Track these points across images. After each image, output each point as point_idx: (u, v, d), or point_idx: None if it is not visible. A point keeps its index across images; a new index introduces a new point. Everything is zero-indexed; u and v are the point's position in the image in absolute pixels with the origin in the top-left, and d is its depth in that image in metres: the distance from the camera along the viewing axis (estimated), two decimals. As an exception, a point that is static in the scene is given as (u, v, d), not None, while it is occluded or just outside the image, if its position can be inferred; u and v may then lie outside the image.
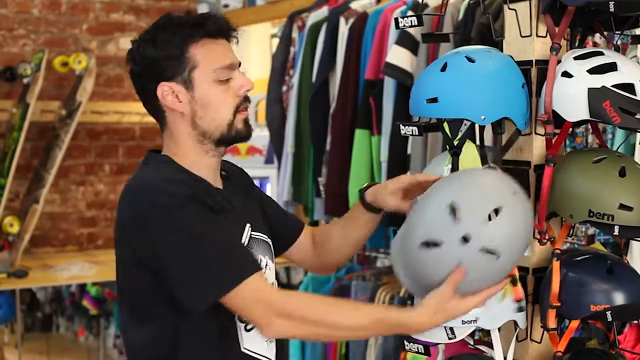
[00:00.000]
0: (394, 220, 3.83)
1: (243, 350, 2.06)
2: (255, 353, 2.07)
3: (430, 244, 1.86)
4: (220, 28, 2.06)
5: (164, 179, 2.00)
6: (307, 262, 2.40)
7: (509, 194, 1.88)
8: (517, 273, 2.02)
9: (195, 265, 1.92)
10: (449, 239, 1.84)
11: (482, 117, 2.00)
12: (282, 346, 2.18)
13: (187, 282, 1.93)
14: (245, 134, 2.08)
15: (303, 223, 2.40)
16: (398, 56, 3.79)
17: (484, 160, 2.10)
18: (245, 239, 2.09)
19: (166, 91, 2.05)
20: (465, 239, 1.83)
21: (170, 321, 2.00)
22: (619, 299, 1.99)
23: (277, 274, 2.27)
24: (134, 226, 1.97)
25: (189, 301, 1.94)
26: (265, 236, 2.19)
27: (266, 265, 2.14)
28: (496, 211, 1.84)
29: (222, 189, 2.13)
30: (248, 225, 2.11)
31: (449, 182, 1.94)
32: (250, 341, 2.06)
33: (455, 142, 2.09)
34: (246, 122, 2.09)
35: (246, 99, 2.09)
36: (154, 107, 2.11)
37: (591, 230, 3.15)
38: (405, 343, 2.13)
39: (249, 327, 2.05)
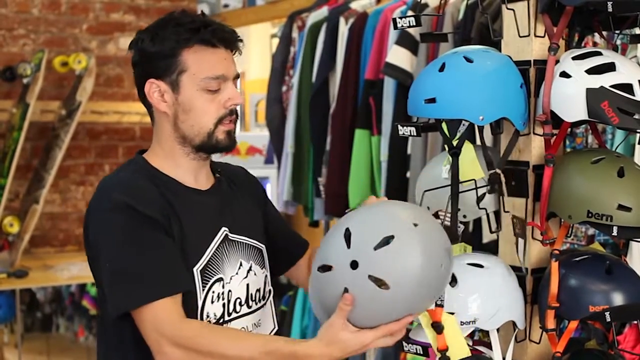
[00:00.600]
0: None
1: None
2: None
3: (325, 268, 1.81)
4: (216, 37, 2.04)
5: (118, 183, 2.04)
6: (303, 285, 2.36)
7: (407, 225, 1.78)
8: (442, 320, 1.97)
9: (116, 273, 1.96)
10: (340, 262, 1.78)
11: (481, 117, 2.00)
12: None
13: (108, 287, 1.97)
14: (225, 145, 2.08)
15: (306, 247, 2.35)
16: (398, 56, 3.79)
17: (488, 164, 2.09)
18: (215, 242, 2.08)
19: (153, 88, 2.08)
20: (354, 264, 1.76)
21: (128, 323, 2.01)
22: (618, 299, 1.98)
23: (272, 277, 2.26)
24: (85, 224, 2.05)
25: (108, 305, 1.98)
26: (255, 241, 2.18)
27: (249, 270, 2.13)
28: (387, 240, 1.76)
29: (205, 189, 2.13)
30: (224, 228, 2.10)
31: (362, 209, 1.88)
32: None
33: (454, 143, 2.09)
34: (229, 133, 2.07)
35: (232, 112, 2.07)
36: (144, 100, 2.14)
37: (591, 231, 3.14)
38: (404, 344, 2.13)
39: None
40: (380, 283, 1.76)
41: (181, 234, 2.02)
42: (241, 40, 2.12)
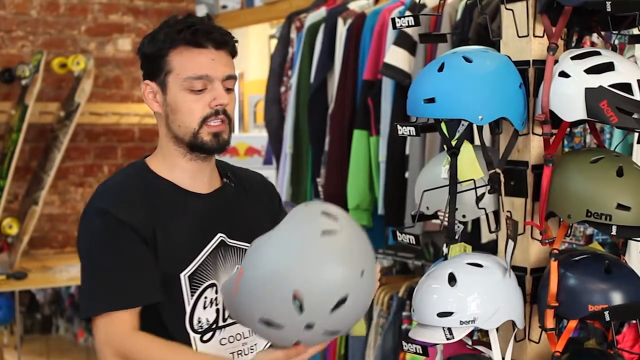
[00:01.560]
0: (391, 220, 3.85)
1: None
2: None
3: (271, 324, 1.75)
4: (201, 37, 2.05)
5: (106, 189, 2.09)
6: None
7: (355, 278, 1.74)
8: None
9: (85, 278, 2.04)
10: (292, 324, 1.73)
11: (480, 117, 2.00)
12: None
13: (80, 291, 2.05)
14: (210, 146, 2.08)
15: None
16: (396, 56, 3.79)
17: (488, 164, 2.10)
18: (208, 248, 2.08)
19: (147, 90, 2.11)
20: (309, 326, 1.73)
21: None
22: (617, 298, 1.99)
23: None
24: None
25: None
26: None
27: None
28: (342, 300, 1.72)
29: (205, 193, 2.13)
30: (220, 234, 2.11)
31: (292, 259, 1.74)
32: (206, 352, 2.06)
33: (453, 143, 2.09)
34: (215, 135, 2.07)
35: (218, 113, 2.06)
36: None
37: (590, 230, 3.15)
38: (404, 344, 2.13)
39: (205, 337, 2.06)
40: (336, 333, 1.79)
41: (168, 240, 2.03)
42: (234, 41, 2.11)
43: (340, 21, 4.24)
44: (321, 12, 4.44)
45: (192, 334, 2.04)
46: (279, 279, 1.72)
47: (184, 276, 2.03)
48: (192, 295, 2.04)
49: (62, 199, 6.07)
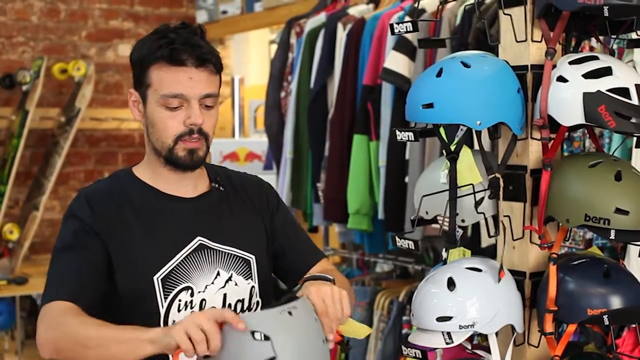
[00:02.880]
0: (391, 225, 3.86)
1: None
2: None
3: None
4: (177, 56, 2.04)
5: (83, 194, 2.13)
6: None
7: None
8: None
9: (47, 274, 2.10)
10: None
11: (478, 122, 2.01)
12: None
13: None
14: (184, 162, 2.09)
15: (316, 258, 2.29)
16: (396, 62, 3.80)
17: (487, 169, 2.10)
18: (184, 252, 2.09)
19: (132, 98, 2.13)
20: None
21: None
22: (616, 302, 1.99)
23: (271, 293, 2.26)
24: None
25: None
26: (241, 251, 2.16)
27: (228, 280, 2.13)
28: None
29: (189, 197, 2.14)
30: (200, 237, 2.11)
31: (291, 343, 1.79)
32: (182, 356, 2.03)
33: (452, 148, 2.10)
34: (190, 151, 2.08)
35: (192, 132, 2.06)
36: None
37: (589, 234, 3.15)
38: (403, 348, 2.13)
39: None
40: None
41: (141, 243, 2.06)
42: (216, 59, 2.09)
43: (340, 26, 4.25)
44: (321, 17, 4.44)
45: None
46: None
47: (156, 279, 2.05)
48: (166, 298, 2.06)
49: (63, 204, 6.07)
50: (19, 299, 5.39)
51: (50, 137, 5.74)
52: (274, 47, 5.04)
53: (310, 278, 2.07)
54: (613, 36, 2.13)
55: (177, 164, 2.09)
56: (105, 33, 6.23)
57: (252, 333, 1.75)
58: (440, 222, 2.18)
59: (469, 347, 2.16)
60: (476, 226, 3.39)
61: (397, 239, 2.21)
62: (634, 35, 2.18)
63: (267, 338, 1.75)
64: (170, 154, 2.08)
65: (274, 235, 2.25)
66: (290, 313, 1.80)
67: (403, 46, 3.79)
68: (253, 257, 2.17)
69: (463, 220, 2.18)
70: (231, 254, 2.14)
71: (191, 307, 2.08)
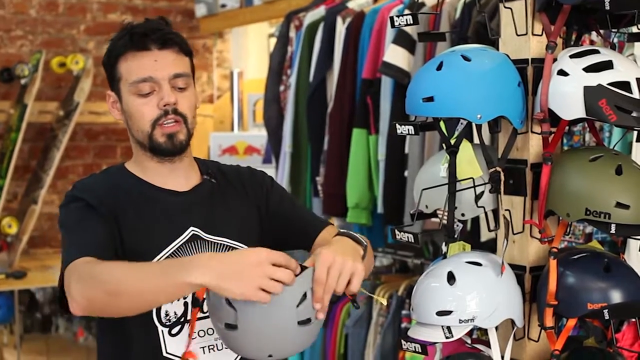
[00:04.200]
0: (390, 218, 3.85)
1: (165, 355, 2.06)
2: (180, 358, 2.07)
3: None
4: (139, 40, 2.07)
5: (79, 184, 2.14)
6: None
7: None
8: None
9: (63, 247, 2.03)
10: None
11: (478, 115, 2.00)
12: None
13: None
14: (165, 149, 2.08)
15: (319, 227, 2.27)
16: (395, 55, 3.79)
17: (488, 163, 2.10)
18: (176, 243, 2.08)
19: (110, 100, 2.17)
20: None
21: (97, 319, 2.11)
22: (616, 297, 1.98)
23: None
24: None
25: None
26: (234, 242, 2.15)
27: None
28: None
29: (181, 190, 2.14)
30: (192, 228, 2.11)
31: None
32: (175, 346, 2.06)
33: (452, 141, 2.09)
34: (169, 136, 2.07)
35: (167, 112, 2.06)
36: None
37: (589, 229, 3.15)
38: (403, 342, 2.13)
39: (173, 331, 2.06)
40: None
41: (133, 234, 2.06)
42: (180, 39, 2.10)
43: (339, 20, 4.24)
44: (320, 11, 4.44)
45: (160, 327, 2.06)
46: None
47: None
48: None
49: (62, 198, 6.04)
50: (17, 293, 5.39)
51: (49, 130, 5.74)
52: (273, 40, 5.03)
53: (341, 233, 2.03)
54: (614, 30, 2.12)
55: (159, 150, 2.09)
56: (104, 27, 6.22)
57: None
58: (440, 216, 2.18)
59: (469, 341, 2.16)
60: (475, 220, 3.39)
61: (397, 231, 2.21)
62: (634, 29, 2.17)
63: (234, 308, 1.77)
64: (150, 141, 2.08)
65: (272, 217, 2.24)
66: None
67: (402, 40, 3.78)
68: (245, 247, 2.16)
69: (463, 214, 2.17)
70: (224, 244, 2.14)
71: (184, 298, 2.07)
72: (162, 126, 2.07)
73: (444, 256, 2.15)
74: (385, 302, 2.08)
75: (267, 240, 2.21)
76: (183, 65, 2.10)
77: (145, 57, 2.07)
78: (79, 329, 6.37)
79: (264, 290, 1.72)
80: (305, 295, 1.82)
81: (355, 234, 2.03)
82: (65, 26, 6.10)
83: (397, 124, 2.14)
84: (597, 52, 2.00)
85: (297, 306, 1.81)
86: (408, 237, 2.18)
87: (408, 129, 2.12)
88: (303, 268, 1.85)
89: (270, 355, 1.82)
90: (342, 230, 2.06)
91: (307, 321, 1.82)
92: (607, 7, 1.91)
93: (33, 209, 5.37)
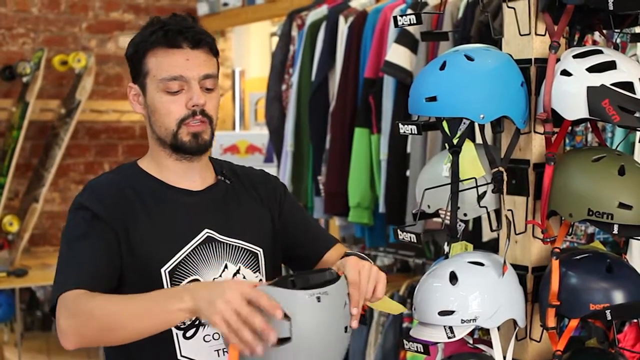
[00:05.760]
0: (392, 218, 3.85)
1: (180, 358, 2.05)
2: None
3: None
4: (173, 38, 2.04)
5: (89, 186, 2.13)
6: None
7: None
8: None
9: (59, 263, 2.02)
10: None
11: (481, 115, 2.00)
12: None
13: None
14: (189, 147, 2.07)
15: (328, 245, 2.26)
16: (398, 55, 3.79)
17: (490, 163, 2.09)
18: (192, 244, 2.07)
19: (132, 92, 2.12)
20: None
21: None
22: (619, 297, 1.98)
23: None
24: None
25: None
26: (249, 244, 2.14)
27: (236, 273, 2.11)
28: None
29: (196, 190, 2.13)
30: (207, 230, 2.10)
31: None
32: (190, 349, 2.05)
33: (455, 141, 2.09)
34: (195, 135, 2.06)
35: (195, 113, 2.05)
36: None
37: (591, 229, 3.15)
38: (405, 342, 2.13)
39: (188, 334, 2.05)
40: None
41: (147, 236, 2.04)
42: (211, 40, 2.09)
43: (341, 19, 4.25)
44: (322, 10, 4.44)
45: (174, 330, 2.04)
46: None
47: (164, 271, 2.04)
48: None
49: (63, 196, 6.07)
50: (18, 291, 5.39)
51: (51, 129, 5.73)
52: (275, 39, 5.03)
53: (348, 254, 2.05)
54: (617, 30, 2.12)
55: (182, 149, 2.07)
56: (106, 25, 6.22)
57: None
58: (442, 216, 2.18)
59: (471, 341, 2.15)
60: (478, 220, 3.39)
61: (399, 231, 2.21)
62: (637, 29, 2.18)
63: (287, 317, 1.74)
64: (175, 139, 2.07)
65: (284, 225, 2.23)
66: (319, 299, 1.76)
67: (405, 39, 3.78)
68: (261, 250, 2.16)
69: (465, 214, 2.17)
70: (239, 246, 2.12)
71: None
72: (189, 125, 2.05)
73: (446, 256, 2.15)
74: (404, 310, 2.09)
75: (277, 246, 2.22)
76: (212, 65, 2.09)
77: (177, 54, 2.04)
78: (79, 327, 6.36)
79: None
80: (345, 302, 1.83)
81: (361, 254, 2.04)
82: (67, 24, 6.09)
83: (399, 124, 2.14)
84: (600, 52, 2.00)
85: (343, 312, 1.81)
86: (410, 237, 2.18)
87: (410, 129, 2.12)
88: (332, 280, 1.82)
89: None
90: (349, 251, 2.09)
91: (346, 329, 1.83)
92: (611, 8, 1.91)
93: (34, 207, 5.37)
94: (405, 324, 3.93)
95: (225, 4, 5.94)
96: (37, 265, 5.30)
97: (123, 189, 2.09)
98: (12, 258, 5.30)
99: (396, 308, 2.07)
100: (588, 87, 1.94)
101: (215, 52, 2.11)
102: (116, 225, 2.03)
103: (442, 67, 2.03)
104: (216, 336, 2.07)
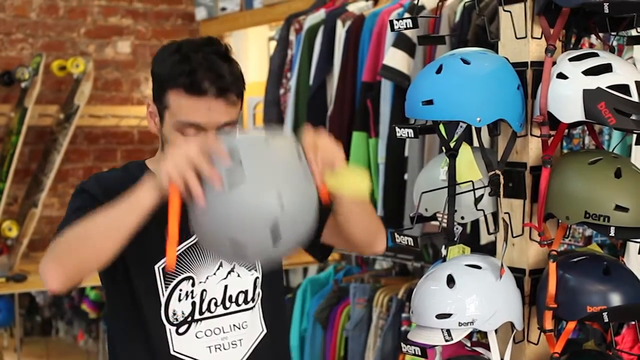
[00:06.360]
0: (390, 222, 3.86)
1: (173, 353, 2.07)
2: (189, 357, 2.08)
3: (238, 245, 1.79)
4: (198, 84, 1.98)
5: (97, 175, 2.15)
6: (342, 243, 2.23)
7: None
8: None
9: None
10: (259, 252, 1.83)
11: (478, 119, 2.00)
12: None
13: None
14: None
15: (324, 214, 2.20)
16: (395, 58, 3.79)
17: (487, 166, 2.10)
18: (185, 244, 2.07)
19: (149, 109, 2.08)
20: (275, 244, 1.79)
21: (107, 317, 2.14)
22: (616, 300, 1.99)
23: (280, 284, 2.26)
24: None
25: None
26: None
27: (230, 272, 2.12)
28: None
29: None
30: None
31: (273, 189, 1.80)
32: (182, 345, 2.07)
33: (452, 144, 2.10)
34: None
35: None
36: None
37: (588, 232, 3.15)
38: (403, 345, 2.13)
39: (180, 330, 2.07)
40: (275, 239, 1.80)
41: (141, 230, 2.01)
42: (239, 85, 2.04)
43: (339, 23, 4.25)
44: (320, 14, 4.44)
45: (167, 326, 2.07)
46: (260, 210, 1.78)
47: (157, 268, 2.06)
48: (167, 287, 2.07)
49: (62, 201, 6.07)
50: (17, 297, 5.39)
51: (49, 134, 5.73)
52: (273, 44, 5.03)
53: None
54: (613, 33, 2.13)
55: None
56: (104, 30, 6.22)
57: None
58: (439, 219, 2.18)
59: (469, 344, 2.16)
60: (475, 223, 3.39)
61: (397, 235, 2.21)
62: (634, 32, 2.18)
63: (239, 162, 1.78)
64: None
65: None
66: (266, 141, 1.85)
67: (402, 43, 3.79)
68: None
69: (462, 217, 2.18)
70: None
71: (192, 297, 2.08)
72: None
73: (444, 259, 2.15)
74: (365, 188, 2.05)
75: None
76: (234, 112, 2.04)
77: (200, 102, 1.98)
78: (79, 332, 6.37)
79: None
80: (300, 156, 1.86)
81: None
82: (65, 29, 6.10)
83: (396, 127, 2.14)
84: (596, 55, 2.01)
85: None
86: (408, 240, 2.18)
87: (408, 132, 2.13)
88: None
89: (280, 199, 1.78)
90: None
91: (310, 195, 1.84)
92: (606, 11, 1.91)
93: (33, 212, 5.36)
94: (403, 327, 3.94)
95: (223, 9, 5.95)
96: (37, 271, 5.25)
97: (126, 184, 2.05)
98: (11, 263, 5.29)
99: (359, 187, 1.96)
100: (584, 90, 1.95)
101: (240, 95, 2.05)
102: None
103: (439, 71, 2.04)
104: (208, 333, 2.09)
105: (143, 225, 2.02)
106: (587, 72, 1.97)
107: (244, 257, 1.93)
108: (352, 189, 1.95)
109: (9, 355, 5.85)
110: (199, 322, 2.09)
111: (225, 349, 2.11)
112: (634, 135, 2.12)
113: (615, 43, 2.15)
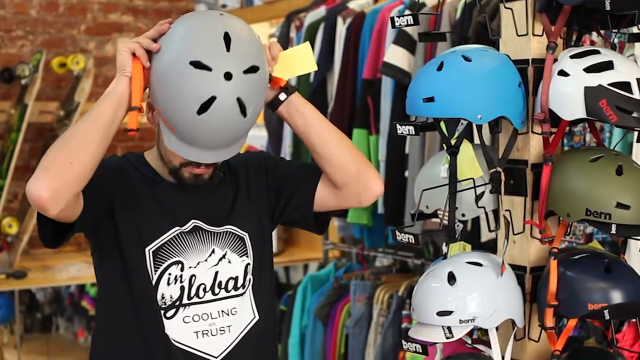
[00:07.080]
0: (391, 219, 3.86)
1: (166, 332, 2.08)
2: (177, 342, 2.09)
3: (200, 65, 1.89)
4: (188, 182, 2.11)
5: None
6: (338, 200, 2.26)
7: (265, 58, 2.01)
8: None
9: None
10: (217, 67, 1.90)
11: (479, 116, 2.00)
12: (242, 348, 2.15)
13: None
14: (187, 182, 2.11)
15: (315, 179, 2.22)
16: (396, 55, 3.79)
17: (488, 163, 2.10)
18: (175, 230, 2.10)
19: (148, 102, 2.11)
20: (228, 75, 1.89)
21: (98, 302, 2.21)
22: (617, 297, 1.99)
23: (271, 271, 2.26)
24: None
25: None
26: (237, 229, 2.16)
27: (222, 258, 2.14)
28: (255, 69, 1.95)
29: (189, 184, 2.13)
30: (194, 220, 2.13)
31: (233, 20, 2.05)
32: (170, 329, 2.09)
33: (453, 142, 2.10)
34: (196, 176, 2.09)
35: (199, 165, 2.06)
36: None
37: (589, 229, 3.15)
38: (403, 342, 2.13)
39: (168, 314, 2.09)
40: (242, 110, 1.91)
41: (137, 213, 2.09)
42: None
43: (339, 20, 4.25)
44: (320, 11, 4.44)
45: (158, 309, 2.08)
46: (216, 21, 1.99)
47: (148, 250, 2.08)
48: (156, 271, 2.09)
49: (62, 198, 6.06)
50: (17, 293, 5.39)
51: (49, 131, 5.73)
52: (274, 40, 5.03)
53: None
54: (614, 30, 2.12)
55: (181, 182, 2.12)
56: (105, 27, 6.22)
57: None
58: (440, 216, 2.18)
59: (469, 341, 2.16)
60: (476, 220, 3.39)
61: (397, 232, 2.21)
62: (635, 30, 2.18)
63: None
64: (175, 173, 2.11)
65: (279, 185, 2.24)
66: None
67: (403, 40, 3.78)
68: (246, 234, 2.18)
69: (463, 215, 2.18)
70: (226, 232, 2.16)
71: (180, 282, 2.10)
72: (192, 169, 2.08)
73: (445, 256, 2.15)
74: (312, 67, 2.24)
75: (280, 221, 2.28)
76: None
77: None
78: (79, 329, 6.38)
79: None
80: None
81: None
82: (65, 26, 6.09)
83: (397, 124, 2.14)
84: (597, 52, 2.00)
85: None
86: (408, 238, 2.18)
87: (408, 129, 2.12)
88: None
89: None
90: None
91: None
92: (608, 8, 1.91)
93: (33, 209, 5.35)
94: (404, 325, 3.94)
95: (224, 6, 5.95)
96: (37, 267, 5.29)
97: (124, 169, 2.14)
98: (11, 260, 5.29)
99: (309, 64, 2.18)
100: (585, 87, 1.94)
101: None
102: (110, 187, 2.08)
103: (440, 68, 2.04)
104: (196, 318, 2.10)
105: (139, 209, 2.05)
106: (588, 70, 1.97)
107: (208, 79, 1.93)
108: (300, 66, 2.18)
109: (9, 352, 5.85)
110: (187, 307, 2.10)
111: (212, 334, 2.11)
112: (635, 133, 2.12)
113: (616, 40, 2.15)
